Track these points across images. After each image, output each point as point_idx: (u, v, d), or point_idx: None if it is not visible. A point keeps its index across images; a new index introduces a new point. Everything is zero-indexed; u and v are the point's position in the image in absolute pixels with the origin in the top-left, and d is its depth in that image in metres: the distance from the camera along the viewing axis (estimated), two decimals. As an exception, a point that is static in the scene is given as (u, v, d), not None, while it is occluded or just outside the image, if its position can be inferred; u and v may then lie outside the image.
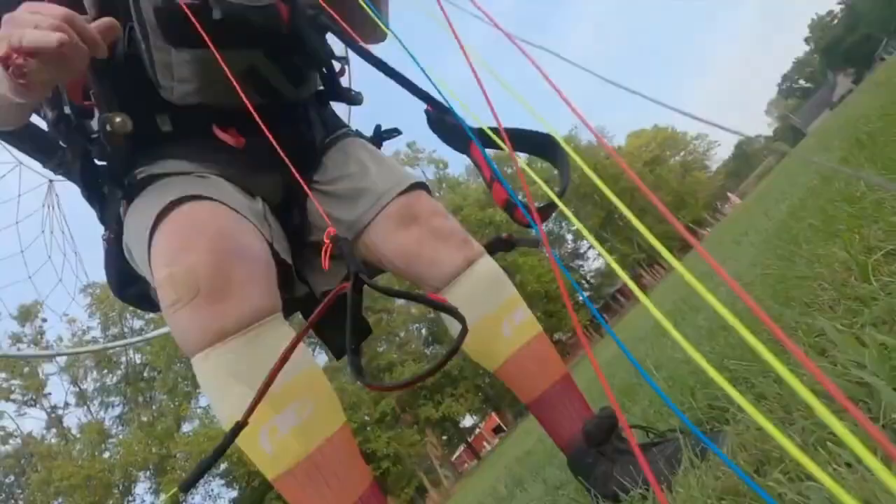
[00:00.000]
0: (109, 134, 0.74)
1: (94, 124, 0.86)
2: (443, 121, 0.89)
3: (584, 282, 35.46)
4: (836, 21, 40.17)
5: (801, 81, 52.25)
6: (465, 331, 0.52)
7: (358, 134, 1.12)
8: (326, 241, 0.59)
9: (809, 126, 33.01)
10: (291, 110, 0.97)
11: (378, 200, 0.94)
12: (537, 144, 0.87)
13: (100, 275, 1.05)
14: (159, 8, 0.74)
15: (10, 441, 20.72)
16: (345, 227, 0.95)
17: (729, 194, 36.71)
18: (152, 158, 0.86)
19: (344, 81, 1.08)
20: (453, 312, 0.54)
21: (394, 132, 1.20)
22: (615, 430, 0.83)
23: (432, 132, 0.92)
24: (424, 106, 0.90)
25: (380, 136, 1.16)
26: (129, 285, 0.93)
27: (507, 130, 0.68)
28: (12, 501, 20.19)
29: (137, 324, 21.47)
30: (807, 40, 45.17)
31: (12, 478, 20.42)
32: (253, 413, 0.58)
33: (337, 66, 1.04)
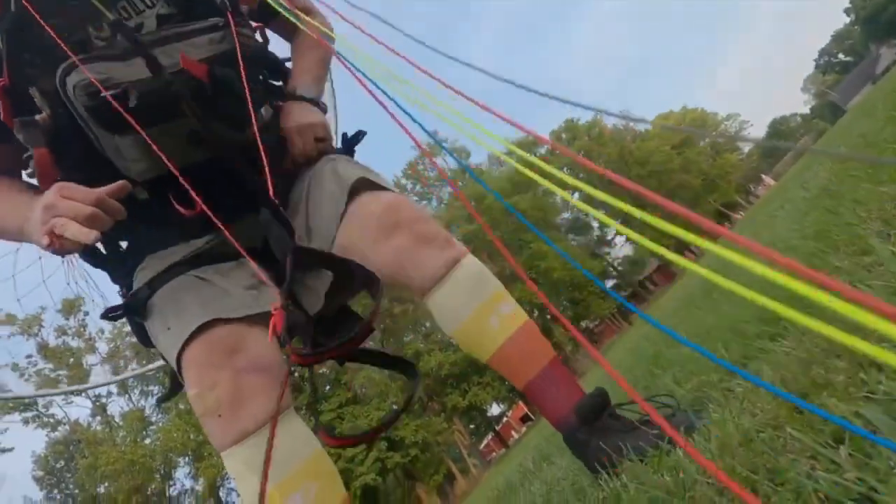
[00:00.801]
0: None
1: None
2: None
3: (611, 269, 34.86)
4: (878, -11, 37.90)
5: (841, 55, 49.66)
6: (417, 382, 0.82)
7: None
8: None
9: (849, 102, 31.41)
10: (248, 149, 0.99)
11: (340, 200, 0.98)
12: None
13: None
14: (88, 106, 0.79)
15: (59, 428, 21.86)
16: (317, 234, 1.00)
17: (763, 176, 35.44)
18: (144, 247, 0.97)
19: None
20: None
21: (359, 135, 1.19)
22: (606, 409, 0.87)
23: None
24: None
25: (348, 145, 1.16)
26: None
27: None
28: (63, 485, 21.31)
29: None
30: (847, 11, 42.84)
31: (62, 462, 21.55)
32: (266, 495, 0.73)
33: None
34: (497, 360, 0.96)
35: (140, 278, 0.94)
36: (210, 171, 0.94)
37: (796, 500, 0.47)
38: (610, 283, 33.83)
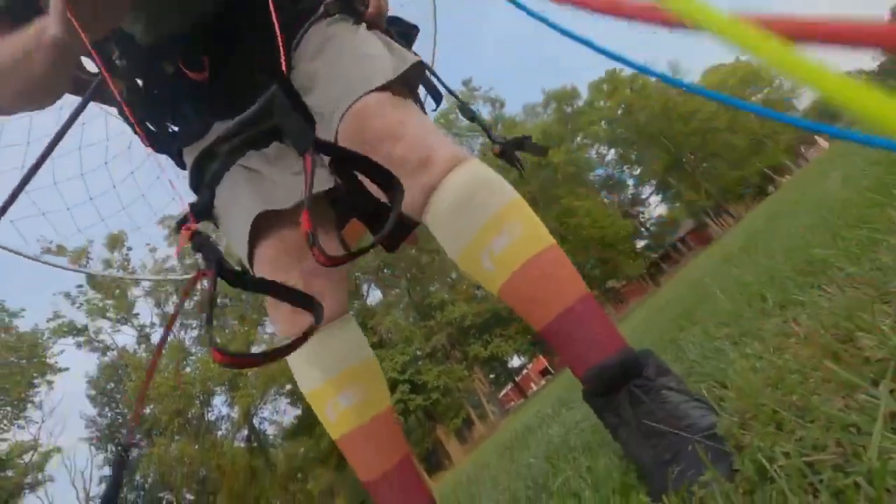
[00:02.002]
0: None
1: None
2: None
3: (643, 229, 34.08)
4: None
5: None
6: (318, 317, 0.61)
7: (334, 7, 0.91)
8: None
9: (926, 58, 28.47)
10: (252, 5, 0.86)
11: (329, 128, 0.83)
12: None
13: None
14: None
15: (108, 353, 23.61)
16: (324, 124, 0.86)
17: (817, 138, 33.26)
18: (188, 132, 0.93)
19: None
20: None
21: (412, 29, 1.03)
22: (626, 386, 0.67)
23: None
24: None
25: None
26: None
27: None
28: (113, 404, 23.29)
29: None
30: (937, -47, 38.13)
31: (112, 384, 23.44)
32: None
33: None
34: (504, 298, 0.79)
35: (189, 167, 0.94)
36: (225, 36, 0.87)
37: (825, 433, 0.47)
38: (641, 244, 33.19)
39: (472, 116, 1.04)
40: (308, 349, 0.88)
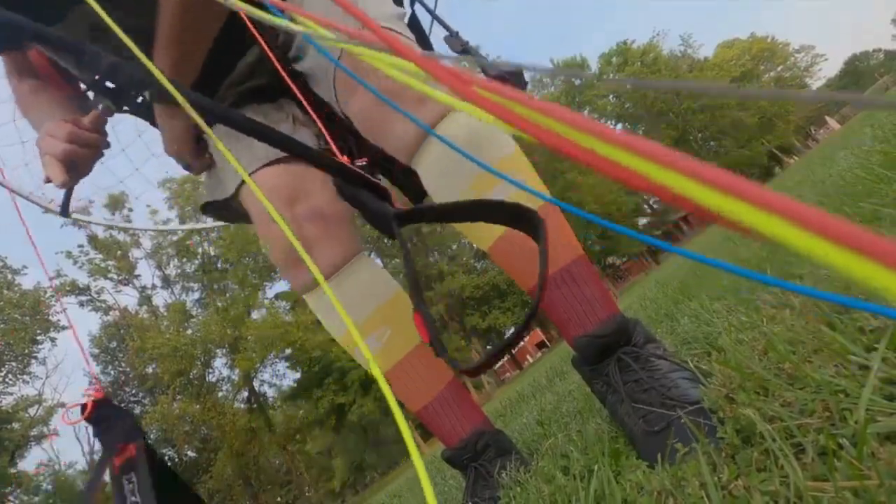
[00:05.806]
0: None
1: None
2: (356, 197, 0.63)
3: (646, 207, 33.91)
4: None
5: (948, -18, 43.13)
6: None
7: None
8: None
9: (946, 38, 27.66)
10: None
11: (328, 87, 0.81)
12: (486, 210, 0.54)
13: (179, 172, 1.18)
14: None
15: (111, 313, 23.88)
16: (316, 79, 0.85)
17: (827, 118, 32.73)
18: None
19: None
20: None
21: None
22: (615, 354, 0.67)
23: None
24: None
25: None
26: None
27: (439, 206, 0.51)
28: (116, 363, 23.70)
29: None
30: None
31: (115, 343, 23.80)
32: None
33: None
34: (494, 257, 0.77)
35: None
36: None
37: (813, 400, 0.47)
38: (643, 221, 33.08)
39: (465, 49, 0.95)
40: (318, 300, 0.86)
